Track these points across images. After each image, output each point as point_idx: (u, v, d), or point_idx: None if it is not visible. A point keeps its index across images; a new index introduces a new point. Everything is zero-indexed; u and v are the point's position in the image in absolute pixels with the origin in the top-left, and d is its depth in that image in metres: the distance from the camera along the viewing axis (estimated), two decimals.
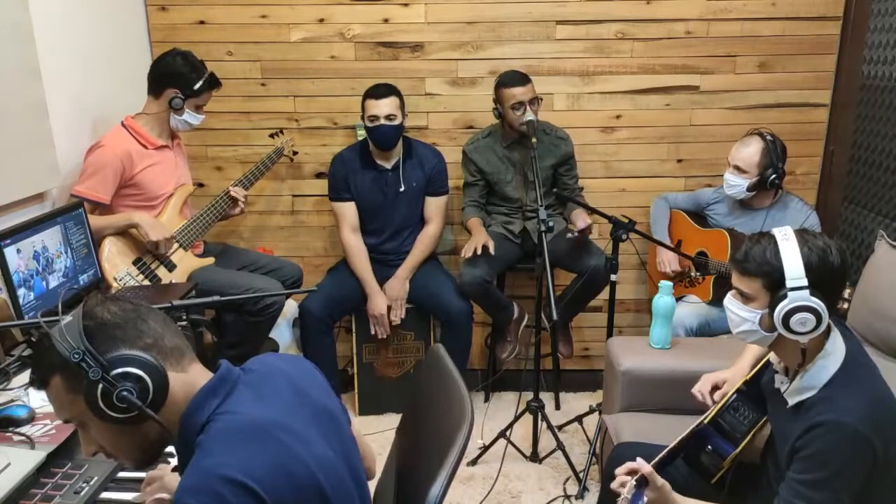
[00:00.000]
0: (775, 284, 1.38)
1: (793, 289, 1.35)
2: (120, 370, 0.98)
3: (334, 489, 1.01)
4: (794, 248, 1.37)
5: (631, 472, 1.48)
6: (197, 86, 2.46)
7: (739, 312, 1.45)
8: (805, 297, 1.35)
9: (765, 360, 1.65)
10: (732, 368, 1.86)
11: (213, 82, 2.54)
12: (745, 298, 1.44)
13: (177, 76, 2.46)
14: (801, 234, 1.40)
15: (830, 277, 1.37)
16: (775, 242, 1.39)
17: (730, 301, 1.48)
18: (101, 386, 0.97)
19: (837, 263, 1.37)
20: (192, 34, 3.01)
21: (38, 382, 1.04)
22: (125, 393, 0.97)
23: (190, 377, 1.06)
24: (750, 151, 2.58)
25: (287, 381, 1.12)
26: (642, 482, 1.47)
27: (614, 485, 1.49)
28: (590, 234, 2.85)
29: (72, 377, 0.99)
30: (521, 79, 2.76)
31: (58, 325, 1.01)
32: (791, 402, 1.44)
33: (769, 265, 1.38)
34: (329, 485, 1.00)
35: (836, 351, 1.42)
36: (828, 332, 1.44)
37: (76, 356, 0.97)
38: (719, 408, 1.66)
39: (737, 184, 2.62)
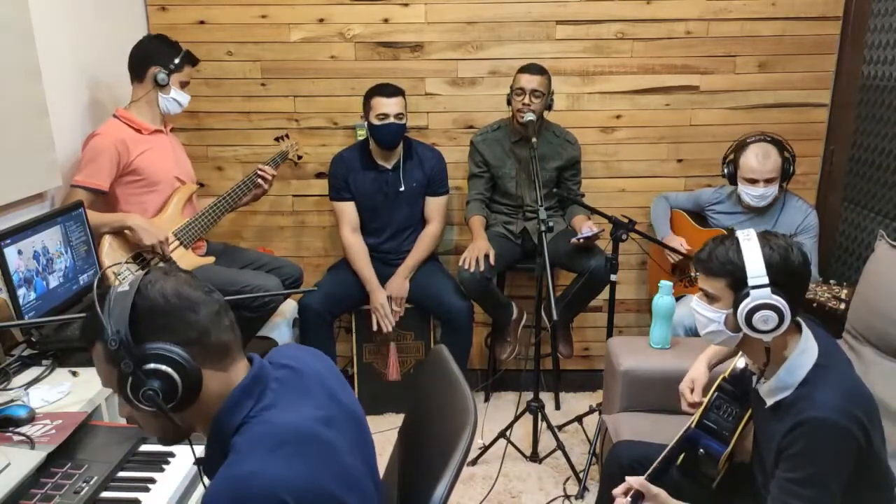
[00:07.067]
0: (738, 283, 1.41)
1: (754, 287, 1.38)
2: (153, 366, 0.96)
3: (358, 499, 0.99)
4: (755, 248, 1.40)
5: (628, 490, 1.49)
6: (177, 60, 2.51)
7: (705, 313, 1.48)
8: (766, 295, 1.37)
9: (737, 357, 1.67)
10: (692, 369, 1.89)
11: (191, 58, 2.58)
12: (710, 299, 1.47)
13: (157, 54, 2.50)
14: (764, 235, 1.43)
15: (792, 276, 1.40)
16: (738, 242, 1.42)
17: (696, 303, 1.51)
18: (130, 378, 0.96)
19: (799, 262, 1.40)
20: (192, 34, 3.01)
21: (84, 342, 1.03)
22: (150, 392, 0.95)
23: (228, 375, 1.03)
24: (773, 159, 2.61)
25: (320, 382, 1.10)
26: (638, 497, 1.48)
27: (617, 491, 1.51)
28: (597, 241, 2.82)
29: (111, 350, 0.97)
30: (534, 69, 2.79)
31: (111, 293, 0.99)
32: (769, 402, 1.46)
33: (732, 264, 1.41)
34: (353, 496, 0.98)
35: (809, 349, 1.43)
36: (800, 331, 1.46)
37: (113, 343, 0.94)
38: (703, 409, 1.67)
39: (771, 193, 2.65)
